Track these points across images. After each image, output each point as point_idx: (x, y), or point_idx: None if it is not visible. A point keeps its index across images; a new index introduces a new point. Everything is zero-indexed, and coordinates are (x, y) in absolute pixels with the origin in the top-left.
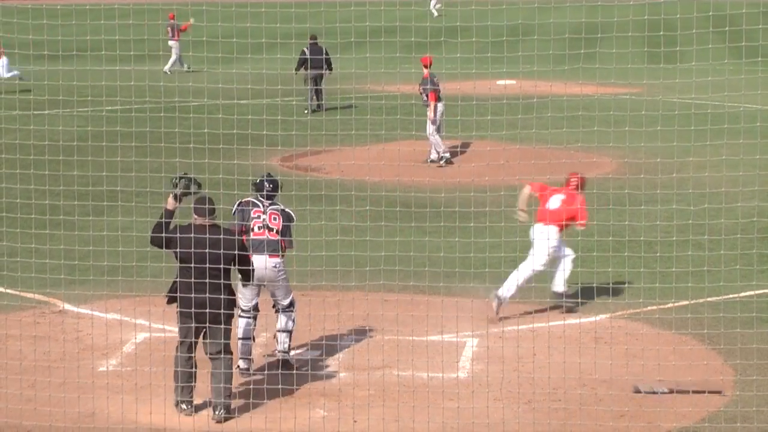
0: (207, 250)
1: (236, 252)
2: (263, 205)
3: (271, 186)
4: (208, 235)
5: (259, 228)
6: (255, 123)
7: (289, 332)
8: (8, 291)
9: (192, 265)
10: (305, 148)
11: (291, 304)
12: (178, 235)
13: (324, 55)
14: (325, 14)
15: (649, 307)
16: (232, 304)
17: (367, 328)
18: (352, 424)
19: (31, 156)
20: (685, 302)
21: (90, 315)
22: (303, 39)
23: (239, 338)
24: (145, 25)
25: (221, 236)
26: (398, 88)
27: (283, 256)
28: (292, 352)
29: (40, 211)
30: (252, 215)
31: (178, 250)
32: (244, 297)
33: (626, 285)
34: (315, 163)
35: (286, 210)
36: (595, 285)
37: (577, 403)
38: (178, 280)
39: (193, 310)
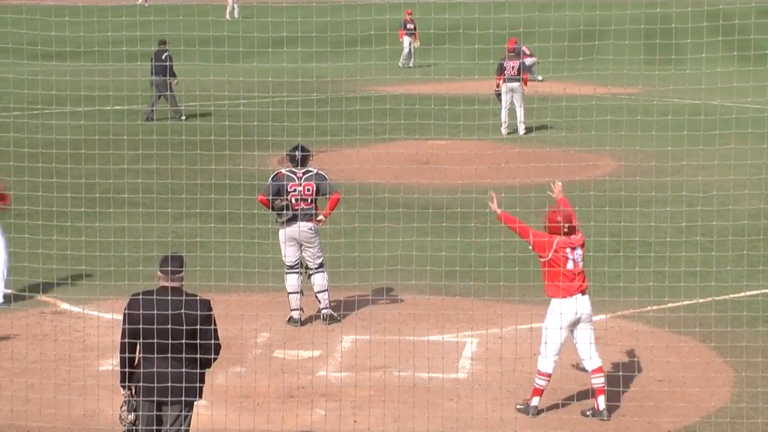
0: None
1: (198, 326)
2: (297, 178)
3: (302, 155)
4: (170, 300)
5: (296, 200)
6: (257, 123)
7: (326, 290)
8: (9, 291)
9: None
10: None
11: (321, 264)
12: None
13: (165, 62)
14: (329, 15)
15: (653, 306)
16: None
17: (367, 327)
18: (352, 424)
19: (25, 160)
20: (691, 301)
21: (91, 315)
22: (305, 41)
23: (289, 292)
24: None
25: (183, 302)
26: (400, 89)
27: (319, 220)
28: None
29: (39, 212)
30: (289, 189)
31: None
32: (288, 255)
33: (635, 285)
34: (317, 164)
35: (318, 173)
36: (600, 285)
37: (577, 402)
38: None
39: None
